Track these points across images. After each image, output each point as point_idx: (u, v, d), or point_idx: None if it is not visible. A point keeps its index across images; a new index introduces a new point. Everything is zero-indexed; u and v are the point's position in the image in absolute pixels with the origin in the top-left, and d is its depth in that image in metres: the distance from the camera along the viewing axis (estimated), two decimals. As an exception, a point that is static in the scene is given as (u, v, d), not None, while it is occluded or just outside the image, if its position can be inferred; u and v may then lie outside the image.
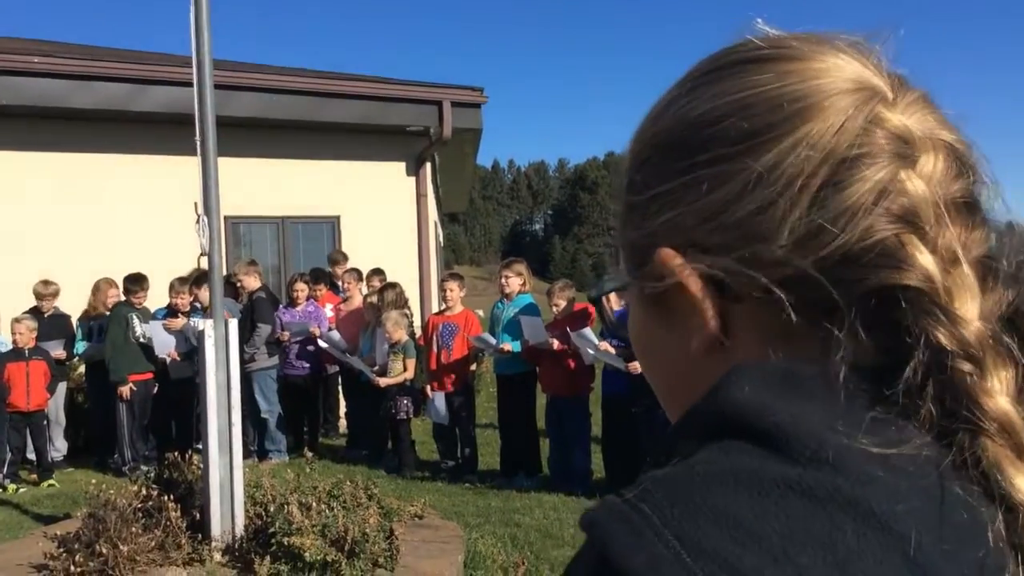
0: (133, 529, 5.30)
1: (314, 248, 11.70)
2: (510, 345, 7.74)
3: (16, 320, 8.28)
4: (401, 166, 12.02)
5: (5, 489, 8.04)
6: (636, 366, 6.79)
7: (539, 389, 7.94)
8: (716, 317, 0.59)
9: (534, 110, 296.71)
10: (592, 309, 7.88)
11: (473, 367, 8.63)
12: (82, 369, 9.27)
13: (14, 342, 8.23)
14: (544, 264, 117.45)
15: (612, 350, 7.16)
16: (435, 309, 10.58)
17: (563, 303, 7.74)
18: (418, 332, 9.13)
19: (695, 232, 0.59)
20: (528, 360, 7.82)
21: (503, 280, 8.10)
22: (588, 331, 7.32)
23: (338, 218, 11.73)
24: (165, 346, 8.47)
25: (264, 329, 8.72)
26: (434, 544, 5.84)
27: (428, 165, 12.35)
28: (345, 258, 10.35)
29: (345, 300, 9.68)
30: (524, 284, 8.09)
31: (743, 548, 0.45)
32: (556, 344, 7.48)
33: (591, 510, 0.50)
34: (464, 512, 6.82)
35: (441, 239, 20.75)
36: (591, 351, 7.29)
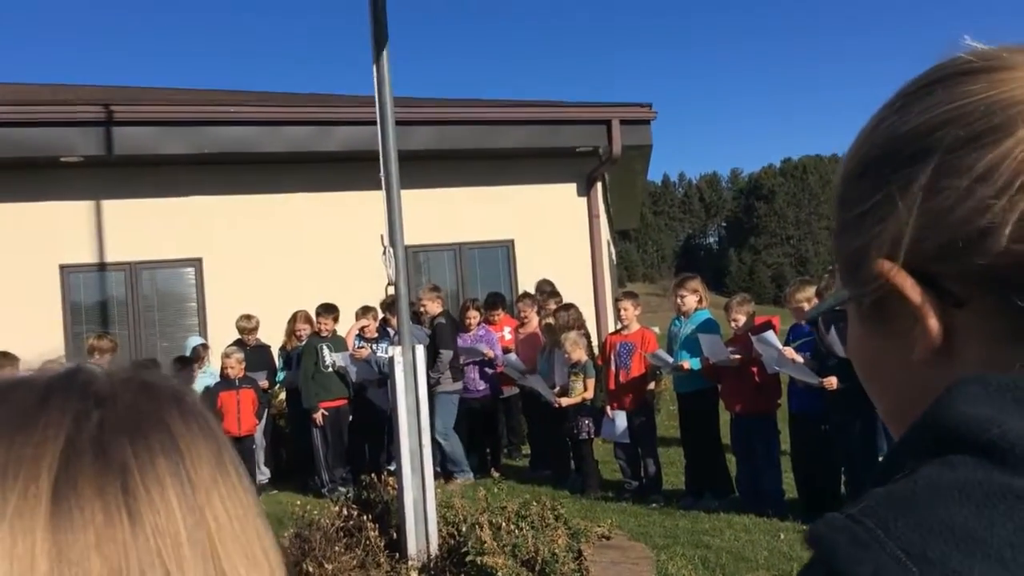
0: (336, 548, 5.56)
1: (490, 273, 11.98)
2: (689, 363, 7.61)
3: (226, 354, 8.90)
4: (572, 187, 12.13)
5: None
6: (832, 381, 6.50)
7: (722, 406, 7.76)
8: (938, 325, 0.58)
9: (704, 122, 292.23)
10: (776, 320, 7.63)
11: (652, 385, 8.54)
12: (283, 396, 9.87)
13: (225, 374, 8.85)
14: (720, 277, 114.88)
15: (799, 358, 6.82)
16: (611, 328, 10.56)
17: (743, 318, 7.54)
18: (596, 352, 9.15)
19: (912, 240, 0.59)
20: (709, 377, 7.66)
21: (679, 299, 7.98)
22: (770, 335, 7.03)
23: (512, 242, 11.96)
24: (362, 373, 8.93)
25: (446, 354, 8.98)
26: (623, 565, 5.81)
27: (599, 184, 12.40)
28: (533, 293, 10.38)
29: (522, 324, 9.83)
30: (700, 300, 7.94)
31: (970, 557, 0.45)
32: (738, 359, 7.28)
33: (814, 526, 0.51)
34: (651, 533, 6.74)
35: (614, 257, 20.71)
36: (774, 357, 6.95)
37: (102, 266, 10.63)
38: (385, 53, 5.42)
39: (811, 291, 7.00)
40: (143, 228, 10.65)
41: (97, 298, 10.77)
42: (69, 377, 0.56)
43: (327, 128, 10.57)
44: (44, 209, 10.36)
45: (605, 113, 11.64)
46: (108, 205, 10.52)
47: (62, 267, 10.50)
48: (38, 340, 9.61)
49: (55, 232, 10.35)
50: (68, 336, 10.45)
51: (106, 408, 0.53)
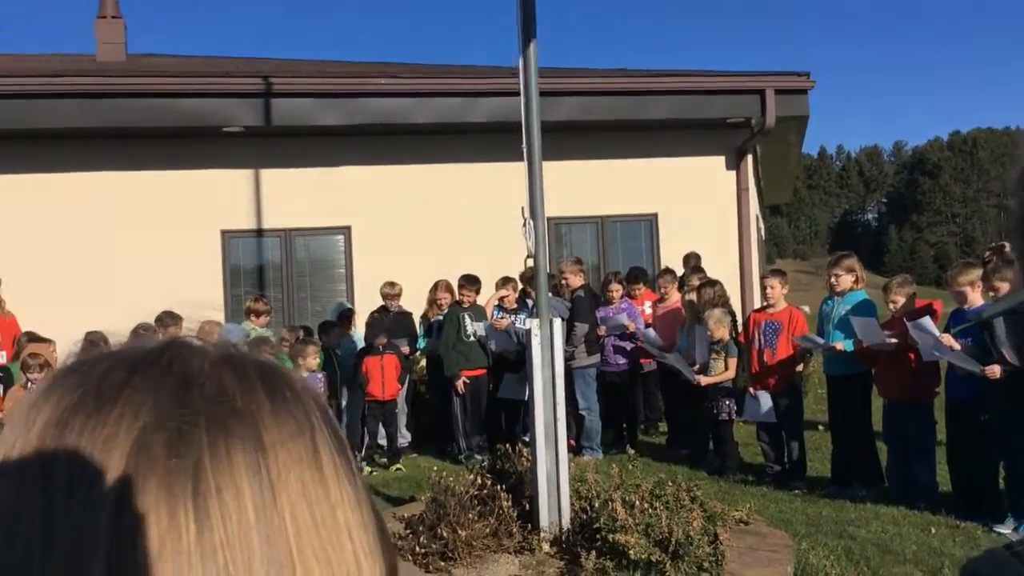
0: (470, 515, 5.63)
1: (632, 246, 11.82)
2: (842, 343, 7.27)
3: (370, 318, 9.15)
4: (720, 160, 11.78)
5: (360, 471, 8.94)
6: (995, 369, 6.07)
7: (875, 392, 7.39)
8: None
9: (866, 93, 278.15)
10: (938, 305, 7.17)
11: (800, 367, 8.23)
12: (423, 363, 10.09)
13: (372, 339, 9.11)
14: (878, 256, 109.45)
15: (957, 346, 6.38)
16: (756, 306, 10.24)
17: (902, 300, 7.13)
18: (739, 330, 8.88)
19: None
20: (862, 361, 7.30)
21: (832, 278, 7.61)
22: (927, 320, 6.60)
23: (656, 215, 11.74)
24: (501, 343, 9.01)
25: (582, 328, 8.93)
26: (761, 552, 5.63)
27: (749, 157, 11.99)
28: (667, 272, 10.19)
29: (662, 299, 9.66)
30: (857, 280, 7.56)
31: None
32: (894, 343, 6.90)
33: (973, 560, 0.46)
34: (792, 520, 6.51)
35: (762, 233, 20.06)
36: (931, 344, 6.52)
37: (259, 232, 11.12)
38: (531, 24, 5.36)
39: (976, 274, 6.52)
40: (297, 196, 11.05)
41: (254, 262, 11.28)
42: (159, 354, 0.51)
43: (473, 99, 10.64)
44: (207, 177, 10.91)
45: (759, 82, 11.21)
46: (266, 174, 10.98)
47: (223, 232, 11.04)
48: (202, 303, 10.17)
49: (217, 199, 10.88)
50: (227, 298, 11.00)
51: (190, 392, 0.49)
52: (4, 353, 8.48)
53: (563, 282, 9.17)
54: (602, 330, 9.17)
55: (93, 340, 8.43)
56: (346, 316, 9.83)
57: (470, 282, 9.22)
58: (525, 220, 5.57)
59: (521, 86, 5.44)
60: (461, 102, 10.67)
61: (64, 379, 0.51)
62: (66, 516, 0.45)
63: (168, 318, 9.03)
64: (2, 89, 9.81)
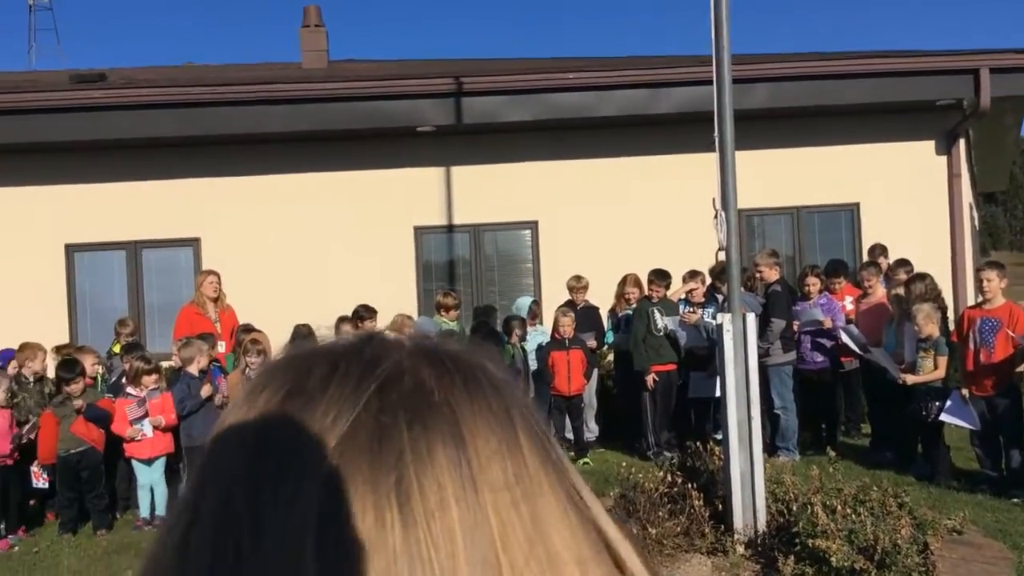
0: (660, 513, 5.55)
1: (831, 238, 11.28)
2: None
3: (563, 313, 9.18)
4: (929, 145, 11.03)
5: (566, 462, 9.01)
6: None
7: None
8: None
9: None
10: None
11: (1021, 368, 7.57)
12: (611, 357, 10.03)
13: (556, 334, 9.15)
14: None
15: None
16: (970, 302, 9.52)
17: None
18: (951, 328, 8.28)
19: None
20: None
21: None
22: None
23: (857, 205, 11.15)
24: (691, 338, 8.84)
25: (778, 324, 8.59)
26: (976, 564, 5.23)
27: (961, 141, 11.16)
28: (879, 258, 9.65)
29: (865, 294, 9.15)
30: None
31: None
32: None
33: None
34: (1011, 531, 6.01)
35: (976, 222, 18.63)
36: None
37: (450, 228, 11.43)
38: (724, 9, 5.19)
39: None
40: (486, 192, 11.27)
41: (445, 257, 11.61)
42: (359, 349, 0.52)
43: (661, 90, 10.47)
44: (400, 175, 11.31)
45: (972, 61, 10.41)
46: (456, 171, 11.26)
47: (416, 228, 11.42)
48: (395, 297, 10.58)
49: (410, 196, 11.27)
50: (420, 292, 11.38)
51: (390, 387, 0.49)
52: (224, 343, 9.12)
53: (757, 276, 8.86)
54: (796, 326, 8.80)
55: (300, 333, 8.94)
56: (532, 311, 9.92)
57: (659, 276, 9.08)
58: (716, 212, 5.41)
59: (713, 73, 5.29)
60: (648, 93, 10.52)
61: (271, 375, 0.52)
62: (273, 510, 0.45)
63: (364, 311, 9.46)
64: (215, 97, 10.55)
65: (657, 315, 8.91)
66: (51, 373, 8.48)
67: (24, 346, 8.47)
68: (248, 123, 10.63)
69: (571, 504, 0.49)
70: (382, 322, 9.56)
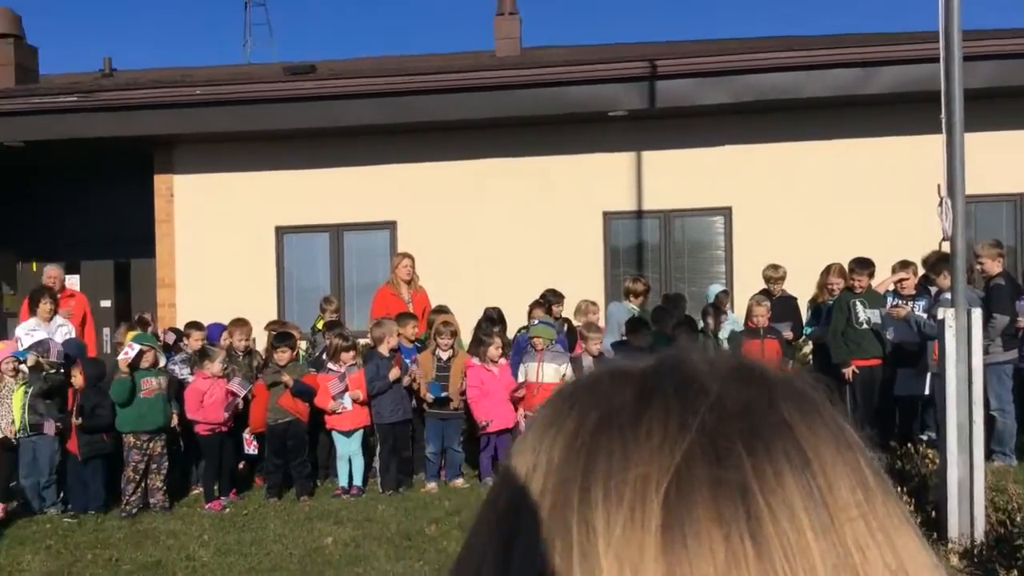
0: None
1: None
2: None
3: (757, 302, 8.85)
4: None
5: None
6: None
7: None
8: None
9: None
10: None
11: None
12: (807, 349, 9.60)
13: (750, 323, 8.84)
14: None
15: None
16: None
17: None
18: None
19: None
20: None
21: None
22: None
23: (1090, 193, 10.15)
24: (899, 333, 8.32)
25: (1001, 320, 7.94)
26: None
27: None
28: None
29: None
30: None
31: None
32: None
33: None
34: None
35: None
36: None
37: (639, 213, 11.29)
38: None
39: None
40: (677, 177, 11.05)
41: (633, 243, 11.47)
42: (669, 370, 0.48)
43: (872, 69, 9.87)
44: (591, 160, 11.27)
45: None
46: (647, 156, 11.10)
47: (605, 214, 11.35)
48: (582, 283, 10.58)
49: (599, 181, 11.21)
50: (607, 278, 11.32)
51: (718, 408, 0.44)
52: (417, 323, 9.41)
53: (978, 268, 8.22)
54: (1021, 322, 8.10)
55: (490, 316, 9.09)
56: (719, 299, 9.64)
57: (862, 265, 8.58)
58: (941, 199, 5.03)
59: (941, 50, 4.92)
60: (858, 73, 9.95)
61: (573, 398, 0.49)
62: (608, 535, 0.42)
63: (552, 296, 9.51)
64: (415, 86, 10.86)
65: (859, 307, 8.43)
66: (259, 348, 9.05)
67: (236, 321, 9.04)
68: (445, 110, 10.89)
69: (921, 535, 0.45)
70: (569, 307, 9.58)
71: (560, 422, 0.48)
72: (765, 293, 9.29)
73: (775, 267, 9.45)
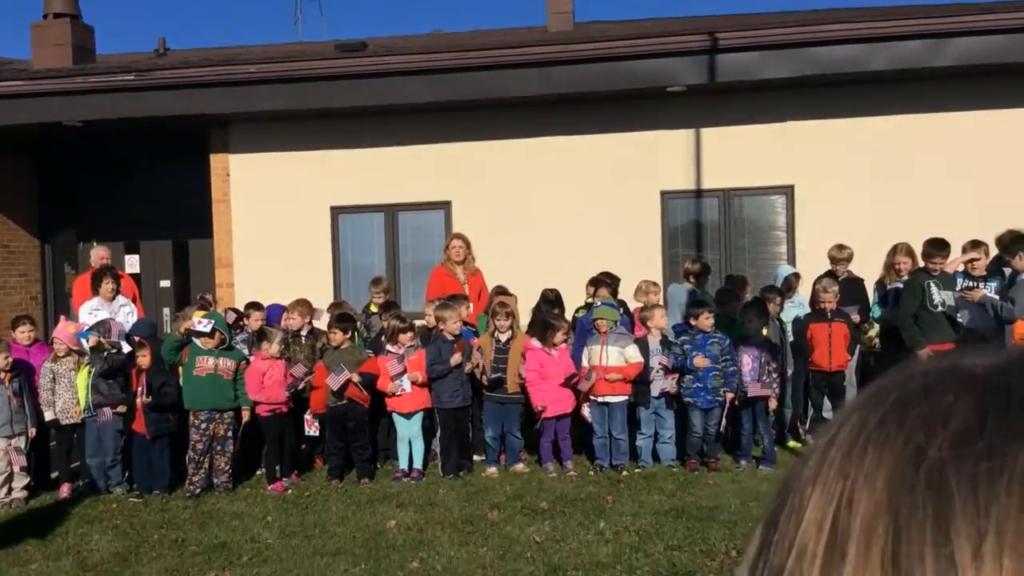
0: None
1: None
2: None
3: (825, 287, 8.62)
4: None
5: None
6: None
7: None
8: None
9: None
10: None
11: None
12: (872, 332, 9.34)
13: (818, 306, 8.62)
14: None
15: None
16: None
17: None
18: None
19: None
20: None
21: None
22: None
23: None
24: (975, 318, 8.06)
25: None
26: None
27: None
28: None
29: None
30: None
31: None
32: None
33: None
34: None
35: None
36: None
37: (698, 192, 11.06)
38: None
39: None
40: (737, 155, 10.79)
41: (692, 223, 11.24)
42: (947, 372, 0.42)
43: (940, 41, 9.50)
44: (649, 138, 11.05)
45: None
46: (706, 133, 10.86)
47: (663, 193, 11.13)
48: (639, 264, 10.40)
49: (657, 160, 10.99)
50: (665, 259, 11.12)
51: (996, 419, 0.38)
52: (472, 305, 9.32)
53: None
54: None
55: (547, 297, 8.96)
56: (789, 282, 9.41)
57: (937, 247, 8.29)
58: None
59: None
60: (926, 44, 9.59)
61: (900, 409, 0.42)
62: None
63: (607, 278, 9.34)
64: (467, 62, 10.69)
65: (935, 289, 8.17)
66: (320, 327, 9.03)
67: (296, 303, 9.04)
68: (498, 87, 10.72)
69: None
70: (625, 289, 9.41)
71: (885, 444, 0.40)
72: (830, 274, 9.05)
73: (841, 247, 9.19)
